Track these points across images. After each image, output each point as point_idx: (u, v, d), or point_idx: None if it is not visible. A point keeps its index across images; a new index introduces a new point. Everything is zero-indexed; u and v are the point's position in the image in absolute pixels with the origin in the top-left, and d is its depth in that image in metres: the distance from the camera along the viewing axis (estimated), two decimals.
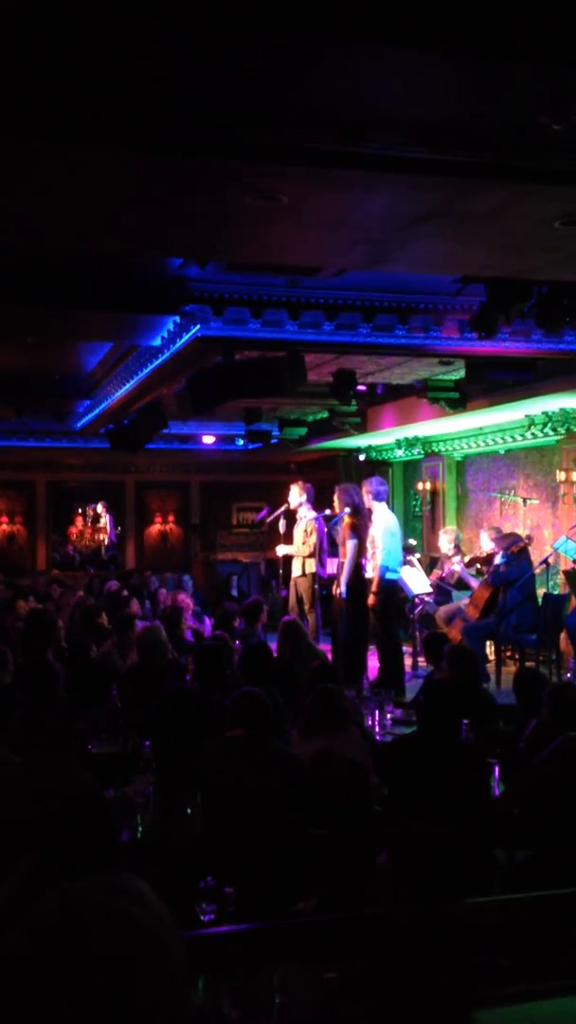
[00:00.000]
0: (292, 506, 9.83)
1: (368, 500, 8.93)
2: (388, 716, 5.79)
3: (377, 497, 8.97)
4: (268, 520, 10.71)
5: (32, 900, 0.87)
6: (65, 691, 5.35)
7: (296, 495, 9.81)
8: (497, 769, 4.26)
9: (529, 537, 9.75)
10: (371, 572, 8.77)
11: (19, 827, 2.87)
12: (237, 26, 3.12)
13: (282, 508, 10.05)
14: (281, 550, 9.96)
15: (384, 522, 8.89)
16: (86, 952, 0.80)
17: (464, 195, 4.39)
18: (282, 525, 9.98)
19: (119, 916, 0.83)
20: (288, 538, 9.83)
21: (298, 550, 9.64)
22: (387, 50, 3.26)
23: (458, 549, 10.50)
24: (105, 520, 18.74)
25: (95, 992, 0.79)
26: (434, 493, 13.35)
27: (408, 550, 10.57)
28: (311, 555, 9.52)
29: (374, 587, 8.72)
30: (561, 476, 10.75)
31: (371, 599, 8.72)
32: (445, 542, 10.58)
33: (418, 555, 11.53)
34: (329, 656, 8.26)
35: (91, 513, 18.90)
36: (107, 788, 3.87)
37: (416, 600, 9.98)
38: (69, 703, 5.09)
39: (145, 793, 3.98)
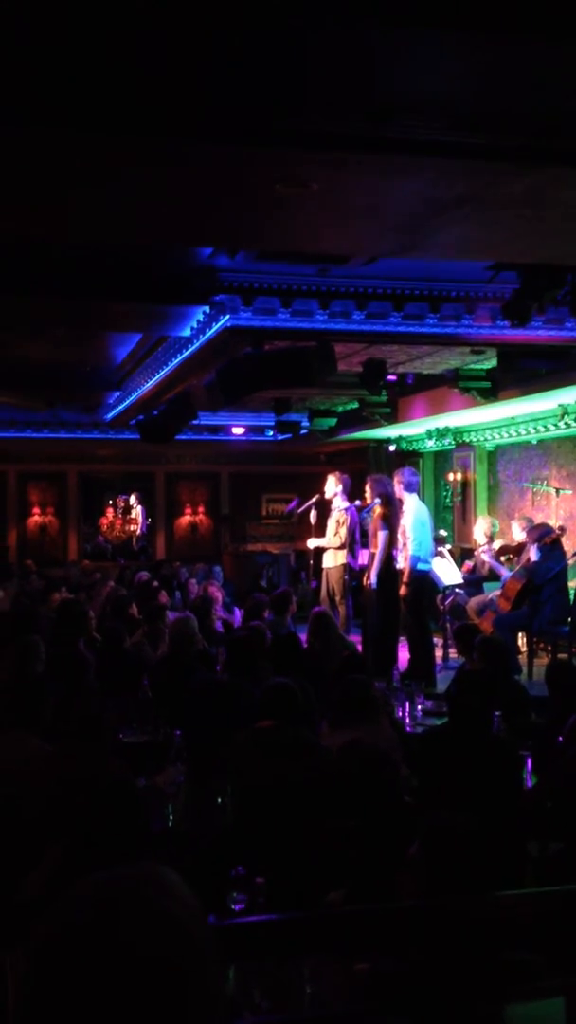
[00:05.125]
0: (327, 496, 9.81)
1: (400, 491, 8.88)
2: (419, 707, 5.77)
3: (409, 488, 8.94)
4: (299, 511, 10.69)
5: (63, 890, 0.86)
6: (96, 681, 5.38)
7: (332, 485, 9.78)
8: (530, 761, 4.22)
9: (561, 528, 9.65)
10: (402, 563, 8.74)
11: (50, 816, 2.88)
12: (266, 10, 3.09)
13: (314, 498, 10.03)
14: (313, 543, 9.93)
15: (415, 513, 8.85)
16: (116, 943, 0.79)
17: (498, 179, 4.33)
18: (312, 516, 9.96)
19: (149, 906, 0.82)
20: (319, 530, 9.81)
21: (330, 541, 9.62)
22: (419, 32, 3.21)
23: (491, 539, 10.43)
24: (136, 511, 18.84)
25: (125, 983, 0.78)
26: (465, 484, 13.25)
27: (439, 541, 10.51)
28: (342, 546, 9.49)
29: (405, 578, 8.68)
30: None
31: (403, 590, 8.69)
32: (479, 531, 10.52)
33: (449, 546, 11.46)
34: (360, 647, 8.25)
35: (121, 504, 19.01)
36: (138, 777, 3.88)
37: (447, 591, 9.93)
38: (100, 692, 5.12)
39: (176, 782, 3.99)
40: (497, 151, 4.01)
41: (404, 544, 8.74)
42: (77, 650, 5.74)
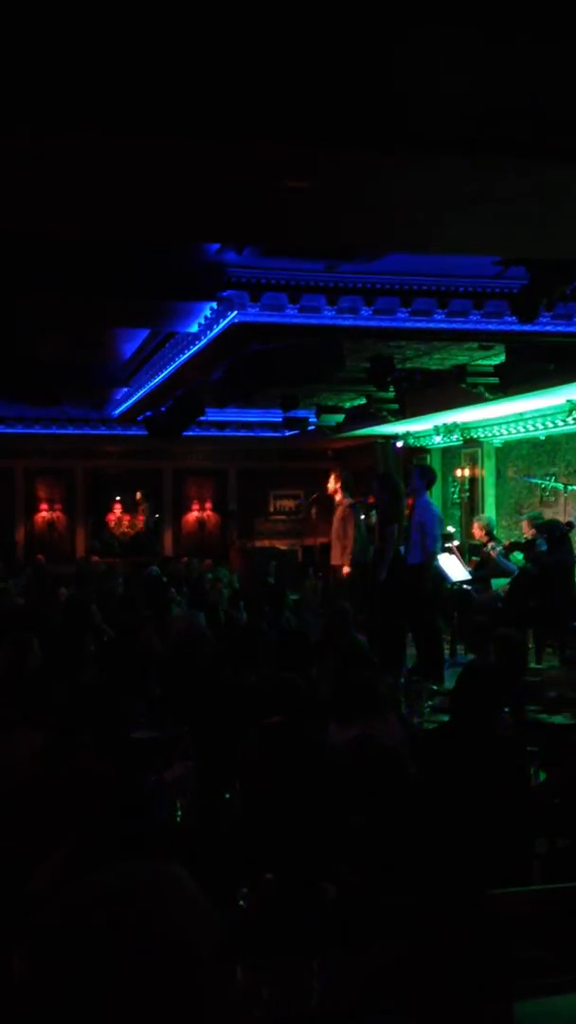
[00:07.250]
0: (330, 490, 9.83)
1: (422, 487, 8.91)
2: (427, 704, 5.75)
3: (430, 485, 8.99)
4: (300, 507, 10.71)
5: (69, 886, 0.86)
6: (104, 676, 5.38)
7: (332, 482, 9.80)
8: (538, 758, 4.21)
9: (569, 524, 9.63)
10: (419, 558, 8.74)
11: (50, 812, 2.88)
12: (275, 7, 3.07)
13: (313, 496, 10.02)
14: (335, 560, 9.84)
15: (431, 509, 8.88)
16: (123, 938, 0.79)
17: (508, 175, 4.31)
18: (312, 513, 9.94)
19: (158, 903, 0.82)
20: (319, 526, 9.78)
21: (336, 538, 9.61)
22: (429, 28, 3.19)
23: (490, 536, 10.42)
24: (144, 507, 18.85)
25: (133, 980, 0.78)
26: (473, 480, 13.22)
27: (447, 538, 10.51)
28: (349, 543, 9.49)
29: (421, 573, 8.68)
30: None
31: (410, 586, 8.69)
32: (476, 530, 10.54)
33: (456, 542, 11.45)
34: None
35: (129, 500, 19.02)
36: (147, 773, 3.89)
37: (455, 587, 9.92)
38: (106, 688, 5.12)
39: (184, 779, 3.99)
40: (508, 146, 3.99)
41: (420, 540, 8.74)
42: (79, 645, 5.74)
